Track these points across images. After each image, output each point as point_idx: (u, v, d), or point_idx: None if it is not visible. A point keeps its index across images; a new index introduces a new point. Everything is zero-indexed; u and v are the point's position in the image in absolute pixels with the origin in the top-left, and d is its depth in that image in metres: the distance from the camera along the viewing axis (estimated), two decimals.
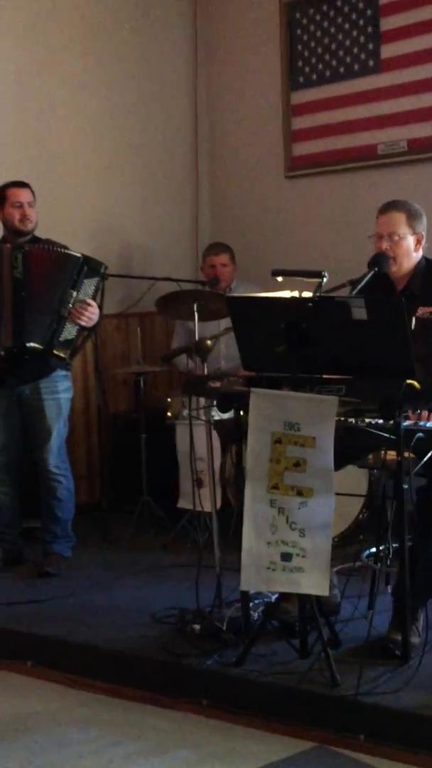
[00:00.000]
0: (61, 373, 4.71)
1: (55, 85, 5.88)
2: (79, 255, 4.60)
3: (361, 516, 4.85)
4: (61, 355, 4.60)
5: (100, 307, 4.70)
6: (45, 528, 4.84)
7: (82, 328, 4.64)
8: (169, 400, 5.34)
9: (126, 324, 6.13)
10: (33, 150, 5.76)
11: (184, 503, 5.16)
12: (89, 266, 4.61)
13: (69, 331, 4.60)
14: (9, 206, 4.71)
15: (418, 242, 3.86)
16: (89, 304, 4.59)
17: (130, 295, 6.02)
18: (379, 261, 3.82)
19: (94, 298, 4.63)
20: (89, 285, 4.61)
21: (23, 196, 4.71)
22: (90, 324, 4.63)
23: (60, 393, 4.72)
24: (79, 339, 4.67)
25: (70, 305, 4.55)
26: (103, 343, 6.04)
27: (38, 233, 4.81)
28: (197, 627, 3.80)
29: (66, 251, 4.61)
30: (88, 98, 6.02)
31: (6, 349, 4.54)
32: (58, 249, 4.61)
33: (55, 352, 4.58)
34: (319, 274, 3.66)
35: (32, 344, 4.53)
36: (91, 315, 4.59)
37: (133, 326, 5.96)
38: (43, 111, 5.83)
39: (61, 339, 4.58)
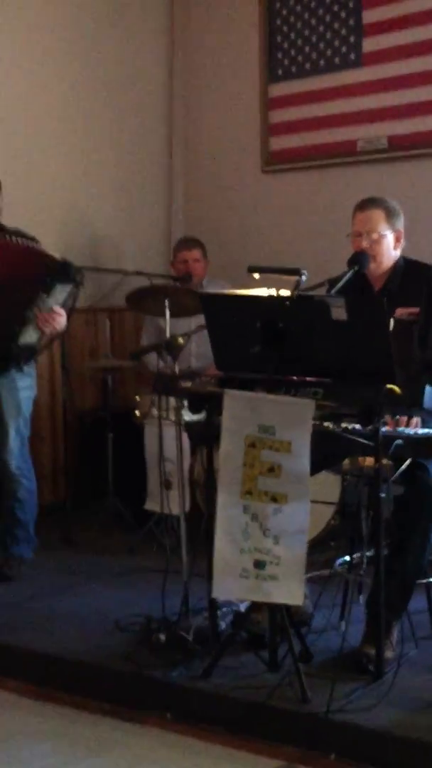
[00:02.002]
0: (24, 367, 4.53)
1: (26, 74, 5.71)
2: (58, 258, 4.39)
3: (332, 522, 4.72)
4: (19, 362, 4.41)
5: (70, 315, 4.49)
6: (5, 530, 4.67)
7: (43, 334, 4.44)
8: (137, 398, 5.18)
9: (95, 318, 5.97)
10: (2, 139, 5.59)
11: (151, 505, 5.01)
12: (65, 271, 4.37)
13: (30, 335, 4.39)
14: None
15: (398, 240, 3.76)
16: (58, 314, 4.38)
17: (99, 288, 5.86)
18: (360, 259, 3.71)
19: (64, 305, 4.42)
20: (62, 291, 4.38)
21: None
22: (54, 333, 4.44)
23: (20, 390, 4.53)
24: (40, 344, 4.47)
25: (38, 309, 4.34)
26: (72, 338, 5.86)
27: (5, 222, 4.62)
28: (162, 636, 3.64)
29: (46, 251, 4.40)
30: (59, 86, 5.86)
31: None
32: (27, 242, 4.41)
33: (11, 355, 4.39)
34: (297, 272, 3.53)
35: None
36: (57, 325, 4.39)
37: (102, 321, 5.80)
38: (13, 100, 5.65)
39: (20, 343, 4.39)
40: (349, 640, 3.46)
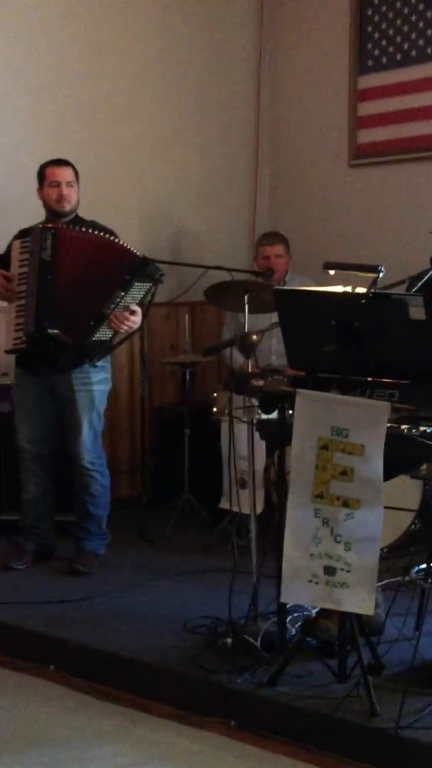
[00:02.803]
0: (97, 363, 4.49)
1: (113, 66, 5.71)
2: (137, 253, 4.32)
3: (413, 526, 4.56)
4: (92, 357, 4.38)
5: (147, 312, 4.44)
6: (78, 524, 4.65)
7: (117, 332, 4.40)
8: (215, 394, 5.09)
9: (176, 313, 5.92)
10: (87, 131, 5.58)
11: (226, 504, 4.92)
12: (145, 269, 4.31)
13: (104, 332, 4.35)
14: (47, 185, 4.48)
15: None
16: (133, 312, 4.32)
17: (181, 283, 5.78)
18: None
19: (141, 304, 4.36)
20: (140, 289, 4.32)
21: (61, 175, 4.46)
22: (130, 330, 4.39)
23: (93, 385, 4.49)
24: (114, 341, 4.42)
25: (114, 306, 4.28)
26: (152, 332, 5.84)
27: (86, 215, 4.59)
28: (229, 641, 3.56)
29: (128, 247, 4.34)
30: (147, 79, 5.83)
31: (28, 335, 4.33)
32: (104, 235, 4.36)
33: (85, 351, 4.36)
34: (375, 269, 3.39)
35: (55, 331, 4.30)
36: (132, 324, 4.34)
37: (182, 315, 5.74)
38: (99, 91, 5.65)
39: (95, 338, 4.34)
40: (423, 652, 3.34)
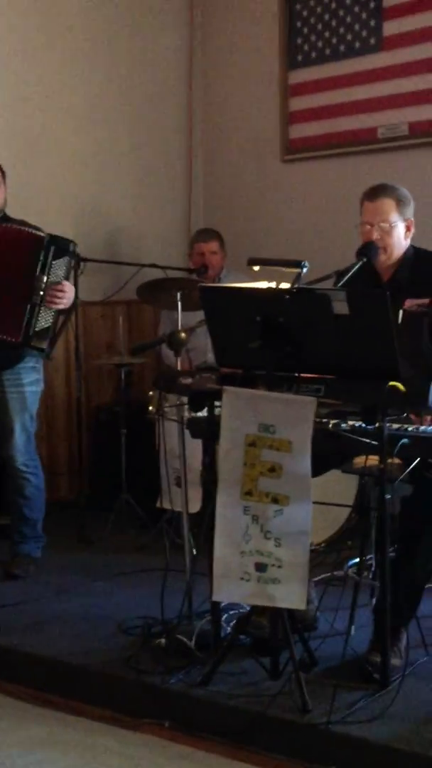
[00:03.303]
0: (28, 364, 4.44)
1: (43, 62, 5.63)
2: (43, 234, 4.30)
3: (349, 521, 4.58)
4: (41, 346, 4.32)
5: (75, 286, 4.41)
6: (13, 527, 4.59)
7: (59, 313, 4.35)
8: (150, 393, 5.08)
9: (112, 312, 5.88)
10: (18, 129, 5.52)
11: (164, 503, 4.90)
12: (57, 245, 4.28)
13: (45, 319, 4.30)
14: None
15: (408, 229, 3.61)
16: (62, 285, 4.28)
17: (116, 281, 5.75)
18: (368, 250, 3.56)
19: (66, 278, 4.33)
20: (59, 266, 4.29)
21: None
22: (67, 305, 4.34)
23: (25, 386, 4.44)
24: (57, 325, 4.38)
25: (42, 291, 4.25)
26: (88, 332, 5.80)
27: (16, 214, 4.53)
28: (163, 641, 3.54)
29: (28, 230, 4.31)
30: (78, 75, 5.78)
31: None
32: (21, 228, 4.32)
33: (33, 344, 4.30)
34: (298, 264, 3.39)
35: None
36: (66, 297, 4.30)
37: (118, 314, 5.70)
38: (29, 89, 5.58)
39: (37, 329, 4.28)
40: (355, 647, 3.35)
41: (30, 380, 4.47)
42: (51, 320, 4.32)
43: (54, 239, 4.29)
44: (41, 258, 4.25)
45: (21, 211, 4.59)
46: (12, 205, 4.61)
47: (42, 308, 4.28)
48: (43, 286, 4.25)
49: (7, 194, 4.55)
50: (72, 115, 5.75)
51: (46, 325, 4.31)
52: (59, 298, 4.28)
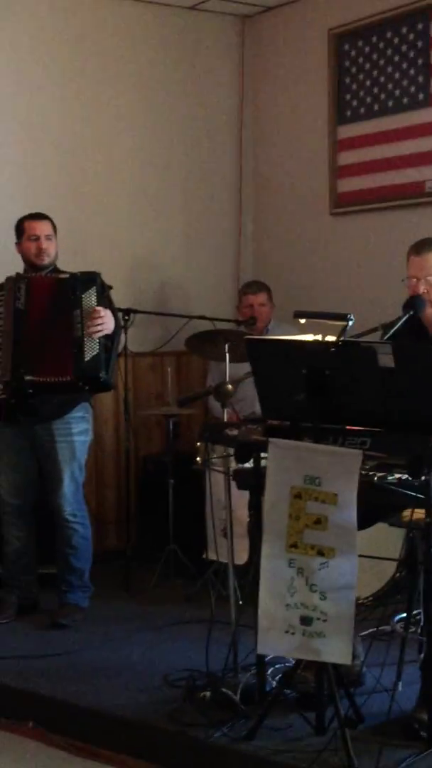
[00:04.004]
0: (77, 414, 4.50)
1: (97, 118, 5.78)
2: (66, 275, 4.42)
3: (398, 575, 4.53)
4: (97, 375, 4.36)
5: (114, 312, 4.50)
6: (60, 577, 4.62)
7: (105, 340, 4.41)
8: (198, 444, 5.10)
9: (161, 363, 5.93)
10: (69, 183, 5.65)
11: (211, 554, 4.90)
12: (82, 280, 4.39)
13: (91, 348, 4.37)
14: (26, 239, 4.53)
15: None
16: (96, 311, 4.34)
17: (165, 333, 5.82)
18: (415, 304, 3.58)
19: (100, 305, 4.39)
20: (89, 297, 4.37)
21: (40, 228, 4.51)
22: (108, 330, 4.40)
23: (74, 435, 4.50)
24: (107, 351, 4.42)
25: (79, 324, 4.33)
26: (137, 382, 5.86)
27: (69, 267, 4.62)
28: (207, 694, 3.52)
29: (53, 275, 4.44)
30: (130, 130, 5.89)
31: (5, 384, 4.34)
32: (47, 276, 4.43)
33: (86, 375, 4.36)
34: (344, 317, 3.40)
35: (30, 378, 4.32)
36: (103, 321, 4.36)
37: (167, 365, 5.75)
38: (82, 143, 5.71)
39: (87, 359, 4.34)
40: (401, 703, 3.30)
41: (79, 430, 4.52)
42: (97, 348, 4.37)
43: (77, 276, 4.40)
44: (71, 296, 4.35)
45: (74, 265, 4.68)
46: (65, 260, 4.71)
47: (85, 340, 4.34)
48: (80, 319, 4.33)
49: (61, 249, 4.65)
50: (124, 171, 5.86)
51: (94, 354, 4.36)
52: (98, 324, 4.33)
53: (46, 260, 4.52)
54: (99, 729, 3.57)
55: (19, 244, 4.56)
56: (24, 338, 4.36)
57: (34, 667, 4.01)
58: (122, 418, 5.39)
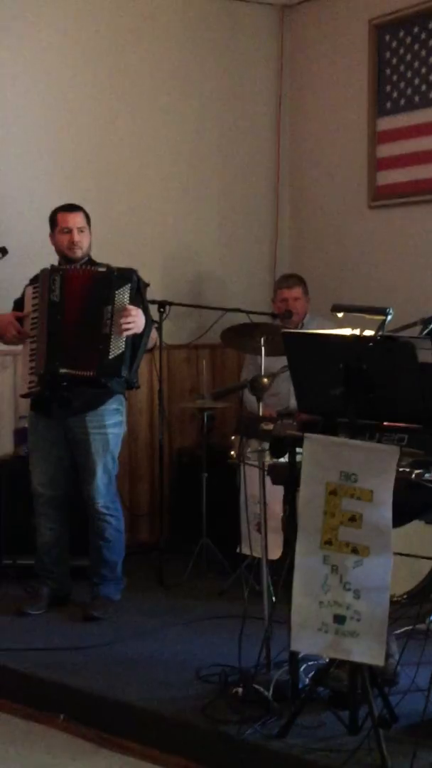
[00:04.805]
0: (111, 406, 4.48)
1: (136, 112, 5.77)
2: (104, 269, 4.38)
3: None
4: (117, 373, 4.34)
5: (146, 310, 4.45)
6: (93, 569, 4.61)
7: (134, 339, 4.37)
8: (233, 438, 5.07)
9: (196, 356, 5.90)
10: (105, 173, 5.63)
11: (244, 548, 4.86)
12: (118, 276, 4.35)
13: (117, 346, 4.33)
14: (58, 232, 4.51)
15: None
16: (128, 311, 4.31)
17: (201, 325, 5.79)
18: None
19: (132, 304, 4.35)
20: (122, 294, 4.33)
21: (73, 221, 4.49)
22: (138, 329, 4.35)
23: (108, 428, 4.48)
24: (132, 351, 4.38)
25: (109, 321, 4.29)
26: (171, 375, 5.84)
27: (103, 259, 4.60)
28: (240, 690, 3.49)
29: (91, 268, 4.40)
30: (167, 121, 5.87)
31: (40, 377, 4.33)
32: (85, 268, 4.40)
33: (107, 373, 4.34)
34: (383, 311, 3.35)
35: (65, 370, 4.30)
36: (133, 320, 4.32)
37: (202, 358, 5.73)
38: (118, 134, 5.70)
39: (111, 357, 4.32)
40: None
41: (113, 422, 4.50)
42: (123, 347, 4.33)
43: (114, 271, 4.35)
44: (105, 291, 4.31)
45: (109, 257, 4.66)
46: (100, 251, 4.69)
47: (113, 337, 4.31)
48: (110, 315, 4.30)
49: (97, 241, 4.63)
50: (161, 161, 5.84)
51: (118, 352, 4.33)
52: (127, 323, 4.30)
53: (79, 253, 4.50)
54: (129, 722, 3.55)
55: (52, 235, 4.55)
56: (58, 331, 4.35)
57: (66, 660, 4.00)
58: (156, 411, 5.37)
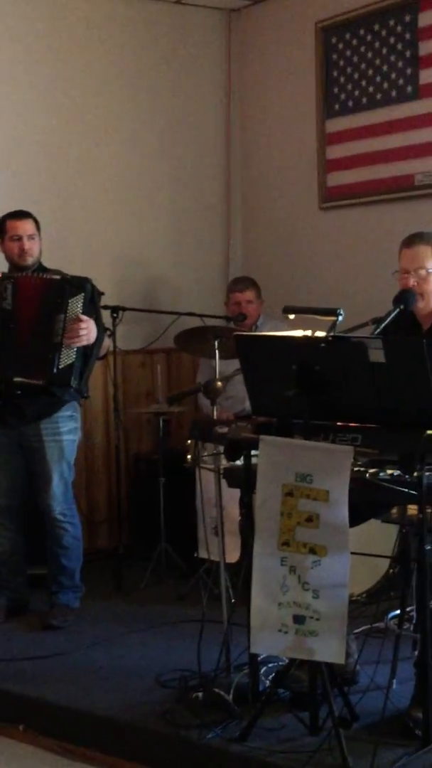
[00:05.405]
0: (65, 413, 4.45)
1: (83, 113, 5.74)
2: (57, 277, 4.34)
3: (391, 571, 4.51)
4: (67, 383, 4.30)
5: (98, 319, 4.42)
6: (51, 577, 4.57)
7: (85, 349, 4.35)
8: (189, 442, 5.06)
9: (150, 360, 5.89)
10: (54, 178, 5.60)
11: (202, 553, 4.86)
12: (71, 285, 4.31)
13: (67, 356, 4.30)
14: (8, 239, 4.47)
15: None
16: (80, 320, 4.27)
17: (155, 330, 5.78)
18: (405, 298, 3.55)
19: (85, 314, 4.32)
20: (75, 303, 4.29)
21: (22, 228, 4.45)
22: (90, 340, 4.32)
23: (63, 435, 4.45)
24: (83, 360, 4.35)
25: (61, 330, 4.26)
26: (126, 380, 5.82)
27: (56, 265, 4.57)
28: (200, 694, 3.48)
29: (44, 276, 4.37)
30: (116, 125, 5.85)
31: None
32: (38, 276, 4.37)
33: (57, 382, 4.30)
34: (333, 312, 3.37)
35: (20, 379, 4.27)
36: (86, 330, 4.28)
37: (157, 363, 5.71)
38: (67, 139, 5.67)
39: (61, 367, 4.28)
40: (399, 702, 3.27)
41: (67, 429, 4.47)
42: (73, 357, 4.30)
43: (68, 279, 4.32)
44: (58, 300, 4.28)
45: (61, 262, 4.64)
46: (52, 256, 4.66)
47: (64, 347, 4.28)
48: (62, 325, 4.27)
49: (48, 245, 4.60)
50: (111, 166, 5.82)
51: (69, 362, 4.30)
52: (78, 333, 4.27)
53: (29, 260, 4.46)
54: (91, 731, 3.53)
55: (1, 243, 4.51)
56: (11, 339, 4.31)
57: (25, 669, 3.97)
58: (112, 417, 5.34)
